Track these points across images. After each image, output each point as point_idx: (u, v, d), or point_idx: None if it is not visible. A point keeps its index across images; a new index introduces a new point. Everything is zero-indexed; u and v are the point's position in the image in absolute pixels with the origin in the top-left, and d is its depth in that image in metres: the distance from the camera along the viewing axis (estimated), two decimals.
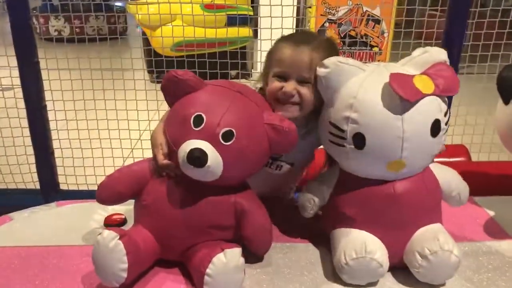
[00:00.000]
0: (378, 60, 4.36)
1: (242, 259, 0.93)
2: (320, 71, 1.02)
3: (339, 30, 4.19)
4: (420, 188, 1.02)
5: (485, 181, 1.60)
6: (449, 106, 1.86)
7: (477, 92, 2.11)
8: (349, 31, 4.24)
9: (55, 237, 1.15)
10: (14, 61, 1.87)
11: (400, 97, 0.91)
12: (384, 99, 0.94)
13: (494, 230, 1.22)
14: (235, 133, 0.93)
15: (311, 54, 1.07)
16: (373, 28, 4.27)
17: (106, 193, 1.05)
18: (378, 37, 4.30)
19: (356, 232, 1.00)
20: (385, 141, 0.95)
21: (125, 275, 0.91)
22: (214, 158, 0.91)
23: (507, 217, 1.27)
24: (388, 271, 0.99)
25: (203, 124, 0.93)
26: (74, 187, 2.15)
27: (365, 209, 1.01)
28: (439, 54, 1.01)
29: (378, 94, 0.95)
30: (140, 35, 4.08)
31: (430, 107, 0.96)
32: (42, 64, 1.93)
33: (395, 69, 0.99)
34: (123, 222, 1.20)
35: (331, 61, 1.00)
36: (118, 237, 0.91)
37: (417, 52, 1.02)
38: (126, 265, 0.91)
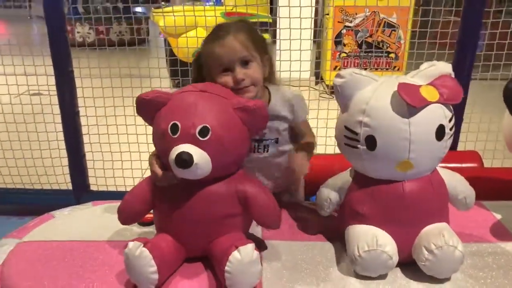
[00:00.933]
0: (395, 67, 4.40)
1: (255, 253, 1.00)
2: (336, 80, 1.09)
3: (356, 36, 4.26)
4: (427, 188, 1.09)
5: (497, 187, 1.66)
6: (462, 113, 1.95)
7: (490, 99, 2.14)
8: (366, 37, 4.30)
9: (94, 233, 1.25)
10: (50, 70, 2.01)
11: (407, 103, 1.00)
12: (393, 105, 1.02)
13: (500, 232, 1.27)
14: (209, 127, 1.01)
15: (237, 37, 1.16)
16: (389, 35, 4.32)
17: (123, 218, 1.15)
18: (394, 43, 4.34)
19: (368, 227, 1.08)
20: (394, 142, 1.03)
21: (156, 276, 1.00)
22: (199, 155, 0.99)
23: None
24: (397, 266, 1.07)
25: (179, 130, 1.01)
26: (104, 188, 2.27)
27: (377, 207, 1.09)
28: (445, 67, 1.09)
29: (388, 100, 1.03)
30: (163, 45, 4.20)
31: (435, 113, 1.04)
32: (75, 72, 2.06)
33: (404, 80, 1.07)
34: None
35: (346, 72, 1.09)
36: (142, 245, 1.00)
37: (425, 65, 1.10)
38: (155, 268, 0.99)
